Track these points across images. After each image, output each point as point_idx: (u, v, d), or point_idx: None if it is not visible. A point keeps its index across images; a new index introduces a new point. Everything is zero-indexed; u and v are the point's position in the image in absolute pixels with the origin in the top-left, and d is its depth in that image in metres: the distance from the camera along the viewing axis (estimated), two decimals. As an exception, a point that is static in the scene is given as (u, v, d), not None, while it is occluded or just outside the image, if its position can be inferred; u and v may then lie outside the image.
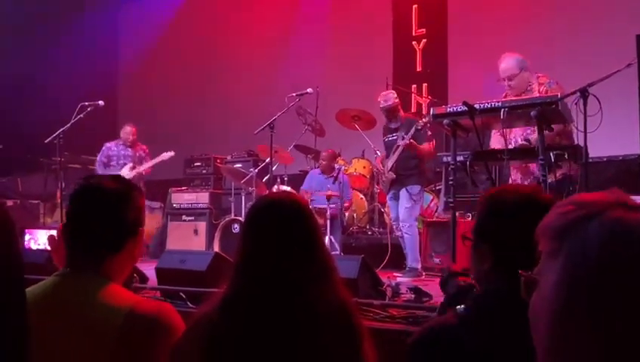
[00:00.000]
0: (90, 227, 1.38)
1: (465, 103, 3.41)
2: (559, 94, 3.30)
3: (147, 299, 1.37)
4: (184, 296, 3.45)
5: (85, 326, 1.26)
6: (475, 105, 3.45)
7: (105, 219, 1.39)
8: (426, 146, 5.01)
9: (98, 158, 7.02)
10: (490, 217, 1.30)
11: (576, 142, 3.43)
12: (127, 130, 6.98)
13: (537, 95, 3.68)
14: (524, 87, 3.90)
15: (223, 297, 1.32)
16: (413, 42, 8.16)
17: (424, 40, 8.10)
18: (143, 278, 3.92)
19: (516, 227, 1.16)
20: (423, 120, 4.93)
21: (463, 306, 1.23)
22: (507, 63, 3.93)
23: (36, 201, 7.84)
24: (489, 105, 3.46)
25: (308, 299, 1.31)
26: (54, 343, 1.23)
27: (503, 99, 3.61)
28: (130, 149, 6.99)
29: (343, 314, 1.37)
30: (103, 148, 7.03)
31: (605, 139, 3.69)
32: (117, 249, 1.40)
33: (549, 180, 3.20)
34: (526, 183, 3.84)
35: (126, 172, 6.69)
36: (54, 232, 1.61)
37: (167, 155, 6.82)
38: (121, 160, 6.94)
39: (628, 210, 0.65)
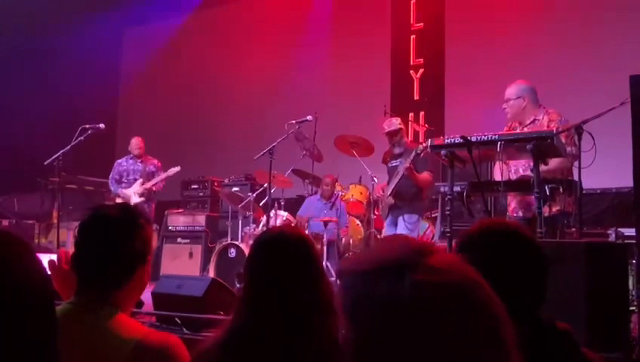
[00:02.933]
0: (99, 257, 1.40)
1: (462, 137, 3.47)
2: (555, 130, 3.36)
3: (155, 331, 1.39)
4: (179, 322, 3.45)
5: (94, 357, 1.27)
6: (472, 138, 3.51)
7: (113, 249, 1.41)
8: (425, 175, 5.04)
9: (110, 176, 6.93)
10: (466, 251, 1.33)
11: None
12: (134, 143, 6.88)
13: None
14: (519, 114, 3.95)
15: (226, 332, 1.34)
16: (411, 71, 8.29)
17: (422, 69, 8.23)
18: (139, 303, 3.91)
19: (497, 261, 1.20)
20: (423, 145, 4.99)
21: None
22: (510, 88, 4.03)
23: (31, 221, 7.81)
24: (486, 138, 3.52)
25: (311, 335, 1.33)
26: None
27: (500, 133, 3.67)
28: (140, 164, 6.87)
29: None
30: (115, 165, 6.97)
31: (599, 171, 3.75)
32: (126, 279, 1.42)
33: (545, 214, 3.24)
34: (521, 214, 3.88)
35: (137, 188, 6.64)
36: (54, 257, 1.62)
37: (173, 171, 6.83)
38: (131, 175, 6.83)
39: (394, 275, 0.67)
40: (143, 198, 6.58)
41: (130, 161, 6.88)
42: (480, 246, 1.29)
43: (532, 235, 1.45)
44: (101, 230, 1.43)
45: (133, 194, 6.59)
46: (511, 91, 4.00)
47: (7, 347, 0.67)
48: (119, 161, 6.98)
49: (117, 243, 1.41)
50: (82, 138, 5.76)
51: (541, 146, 3.36)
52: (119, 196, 6.71)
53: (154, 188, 6.78)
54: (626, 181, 5.97)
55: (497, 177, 3.88)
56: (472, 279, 0.67)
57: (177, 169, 6.89)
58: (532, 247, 1.32)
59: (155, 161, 6.98)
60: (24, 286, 0.73)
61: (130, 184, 6.76)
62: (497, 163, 4.06)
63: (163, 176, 6.78)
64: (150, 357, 1.28)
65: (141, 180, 6.74)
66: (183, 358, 1.34)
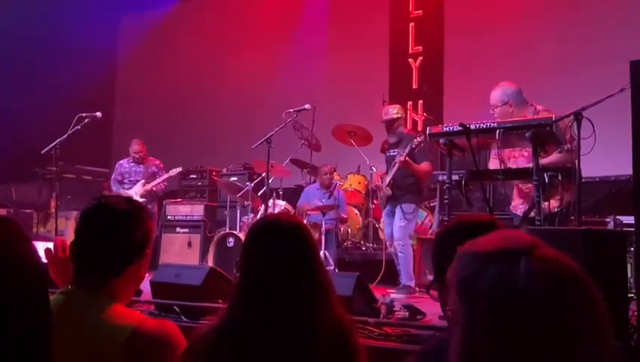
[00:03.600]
0: (99, 247, 1.40)
1: (461, 125, 3.45)
2: (553, 117, 3.35)
3: (151, 319, 1.39)
4: (178, 310, 3.45)
5: (90, 345, 1.27)
6: (471, 126, 3.50)
7: (114, 239, 1.41)
8: (424, 166, 5.01)
9: (112, 177, 6.96)
10: (447, 246, 1.32)
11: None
12: (135, 148, 6.86)
13: None
14: (507, 118, 3.89)
15: (222, 318, 1.33)
16: (410, 59, 8.25)
17: (420, 57, 8.19)
18: (137, 291, 3.91)
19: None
20: (418, 138, 4.95)
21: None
22: (495, 92, 3.95)
23: (29, 211, 7.80)
24: (485, 126, 3.51)
25: (307, 320, 1.32)
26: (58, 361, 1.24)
27: (499, 120, 3.65)
28: (141, 166, 6.88)
29: (342, 334, 1.39)
30: (116, 165, 6.99)
31: (597, 159, 3.75)
32: (123, 270, 1.41)
33: (545, 211, 3.23)
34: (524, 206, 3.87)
35: (138, 188, 6.65)
36: (51, 245, 1.61)
37: (174, 171, 6.87)
38: (133, 176, 6.84)
39: (511, 257, 0.70)
40: (144, 199, 6.54)
41: (132, 163, 6.88)
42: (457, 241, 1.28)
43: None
44: (103, 220, 1.42)
45: (134, 195, 6.56)
46: (495, 97, 3.91)
47: None
48: (120, 161, 6.97)
49: (118, 234, 1.41)
50: (79, 126, 5.73)
51: (540, 134, 3.35)
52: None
53: (154, 189, 6.76)
54: (625, 169, 6.00)
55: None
56: (579, 271, 0.71)
57: (179, 169, 6.92)
58: None
59: (157, 162, 6.96)
60: (18, 272, 0.71)
61: (132, 185, 6.77)
62: (492, 156, 4.04)
63: (164, 176, 6.79)
64: (147, 344, 1.28)
65: (143, 181, 6.73)
66: (179, 344, 1.33)
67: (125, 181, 6.83)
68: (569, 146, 3.54)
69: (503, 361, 0.66)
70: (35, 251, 0.79)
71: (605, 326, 0.70)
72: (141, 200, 6.45)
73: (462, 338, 0.70)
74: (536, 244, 0.72)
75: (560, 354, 0.65)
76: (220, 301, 3.35)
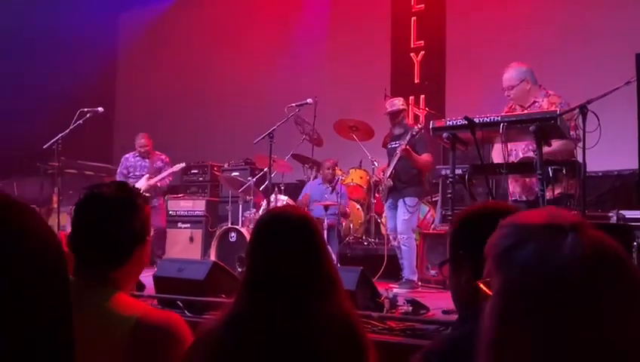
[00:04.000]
0: (97, 237, 1.37)
1: (466, 118, 3.43)
2: (558, 111, 3.33)
3: (156, 309, 1.38)
4: (181, 305, 3.44)
5: (94, 336, 1.25)
6: (475, 119, 3.48)
7: (111, 229, 1.38)
8: (426, 157, 5.00)
9: (118, 171, 6.86)
10: (469, 227, 1.30)
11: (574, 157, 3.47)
12: (140, 142, 6.76)
13: None
14: (524, 98, 3.90)
15: (229, 313, 1.32)
16: (412, 54, 8.21)
17: (422, 52, 8.15)
18: (140, 286, 3.90)
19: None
20: (418, 125, 4.97)
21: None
22: (508, 74, 3.96)
23: (32, 206, 7.78)
24: (488, 120, 3.49)
25: (315, 314, 1.31)
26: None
27: (503, 114, 3.64)
28: (147, 160, 6.77)
29: (349, 329, 1.37)
30: (122, 159, 6.89)
31: (600, 153, 3.74)
32: (124, 259, 1.39)
33: (547, 197, 3.22)
34: (524, 198, 3.86)
35: (142, 183, 6.52)
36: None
37: (178, 167, 6.81)
38: (138, 171, 6.74)
39: (558, 232, 0.67)
40: (148, 194, 6.41)
41: (138, 158, 6.78)
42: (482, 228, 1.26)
43: None
44: (97, 210, 1.39)
45: None
46: (512, 76, 3.92)
47: (19, 314, 0.62)
48: (126, 155, 6.86)
49: (113, 224, 1.38)
50: (81, 122, 5.72)
51: (544, 127, 3.33)
52: None
53: (159, 184, 6.65)
54: (628, 163, 5.99)
55: (496, 161, 3.84)
56: (623, 251, 0.68)
57: (182, 165, 6.87)
58: None
59: (163, 157, 6.86)
60: (42, 250, 0.68)
61: (137, 179, 6.67)
62: (495, 147, 4.03)
63: (168, 171, 6.72)
64: (151, 335, 1.26)
65: (147, 175, 6.62)
66: (184, 335, 1.32)
67: (131, 175, 6.73)
68: (573, 133, 3.53)
69: (537, 340, 0.63)
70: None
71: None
72: (146, 195, 6.42)
73: (495, 314, 0.67)
74: (584, 223, 0.69)
75: (596, 337, 0.62)
76: (223, 295, 3.34)
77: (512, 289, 0.66)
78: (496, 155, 3.92)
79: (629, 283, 0.65)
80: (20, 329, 0.61)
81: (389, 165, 5.16)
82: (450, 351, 1.14)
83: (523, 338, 0.64)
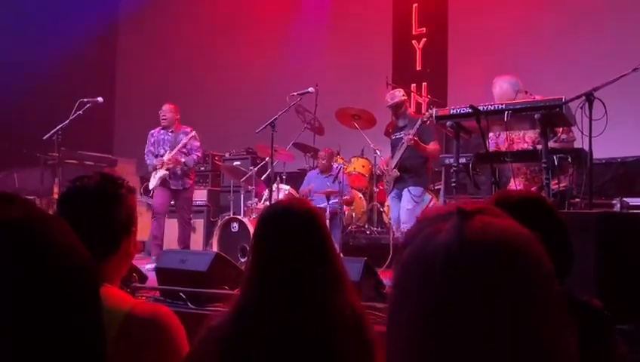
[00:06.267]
0: (82, 230, 1.34)
1: (471, 106, 3.39)
2: (564, 98, 3.29)
3: (145, 302, 1.36)
4: (184, 297, 3.43)
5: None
6: (480, 107, 3.44)
7: (96, 221, 1.35)
8: (432, 145, 4.96)
9: (146, 150, 6.22)
10: None
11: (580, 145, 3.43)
12: (163, 111, 6.10)
13: None
14: None
15: (234, 309, 1.30)
16: (413, 41, 8.14)
17: (424, 39, 8.08)
18: (142, 277, 3.89)
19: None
20: (429, 111, 4.90)
21: None
22: (501, 88, 3.92)
23: (32, 197, 7.77)
24: (493, 108, 3.46)
25: (321, 308, 1.29)
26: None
27: (507, 102, 3.60)
28: (170, 133, 6.09)
29: (356, 322, 1.36)
30: (148, 136, 6.26)
31: (604, 140, 3.70)
32: (111, 251, 1.37)
33: (553, 189, 3.20)
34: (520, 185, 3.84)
35: (159, 163, 5.95)
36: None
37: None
38: (161, 146, 6.09)
39: (447, 218, 0.61)
40: (167, 172, 5.92)
41: (162, 131, 6.15)
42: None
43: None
44: (81, 203, 1.36)
45: (158, 169, 5.95)
46: (506, 91, 3.92)
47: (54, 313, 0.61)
48: (152, 131, 6.24)
49: (98, 216, 1.35)
50: (81, 112, 5.67)
51: (549, 115, 3.29)
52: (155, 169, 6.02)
53: (181, 159, 5.94)
54: (631, 150, 5.95)
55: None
56: (525, 233, 0.61)
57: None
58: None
59: (188, 130, 6.13)
60: (66, 262, 0.66)
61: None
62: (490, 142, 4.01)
63: (183, 141, 5.99)
64: (140, 328, 1.25)
65: (169, 152, 5.99)
66: (173, 328, 1.30)
67: (158, 152, 6.08)
68: (564, 137, 3.52)
69: (413, 328, 0.59)
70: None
71: (549, 285, 0.59)
72: (164, 173, 5.93)
73: (387, 305, 0.63)
74: (487, 211, 0.61)
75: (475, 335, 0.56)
76: (226, 287, 3.33)
77: (396, 280, 0.62)
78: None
79: (507, 272, 0.57)
80: (57, 327, 0.60)
81: (392, 156, 5.12)
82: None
83: (402, 331, 0.60)
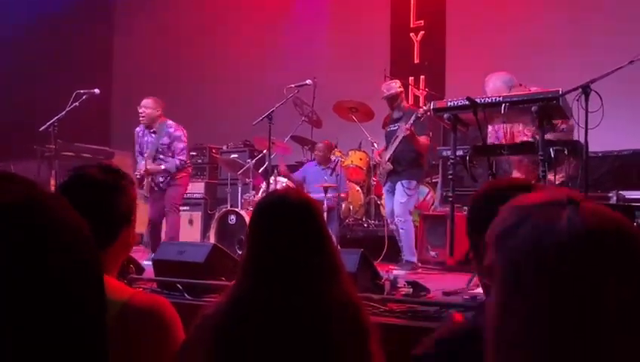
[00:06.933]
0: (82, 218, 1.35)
1: (468, 99, 3.40)
2: (560, 90, 3.29)
3: (143, 292, 1.36)
4: (181, 288, 3.44)
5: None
6: (477, 100, 3.45)
7: (96, 211, 1.35)
8: (423, 139, 4.98)
9: (135, 150, 5.70)
10: (487, 205, 1.27)
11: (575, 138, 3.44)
12: (141, 105, 5.40)
13: None
14: None
15: (229, 298, 1.31)
16: (411, 34, 8.12)
17: (422, 32, 8.06)
18: (140, 269, 3.90)
19: None
20: (424, 107, 4.92)
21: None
22: (494, 85, 3.93)
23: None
24: (490, 100, 3.46)
25: (317, 298, 1.30)
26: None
27: (505, 94, 3.60)
28: (153, 135, 5.39)
29: (352, 312, 1.37)
30: (135, 134, 5.64)
31: (600, 134, 3.71)
32: (110, 241, 1.37)
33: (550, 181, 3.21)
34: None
35: (142, 168, 5.35)
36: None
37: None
38: (144, 149, 5.47)
39: (555, 208, 0.63)
40: (150, 181, 5.34)
41: (145, 131, 5.52)
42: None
43: None
44: (81, 192, 1.36)
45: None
46: (499, 87, 3.93)
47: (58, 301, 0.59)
48: (137, 129, 5.59)
49: (98, 206, 1.35)
50: (77, 103, 5.64)
51: (546, 108, 3.30)
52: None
53: (151, 173, 5.31)
54: (627, 143, 5.96)
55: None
56: (627, 225, 0.64)
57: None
58: None
59: (172, 129, 5.39)
60: (71, 242, 0.64)
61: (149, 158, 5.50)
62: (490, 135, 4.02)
63: (158, 168, 5.35)
64: (138, 318, 1.25)
65: (148, 154, 5.37)
66: (170, 318, 1.31)
67: (144, 154, 5.46)
68: (564, 127, 3.52)
69: (533, 321, 0.60)
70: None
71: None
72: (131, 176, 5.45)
73: (495, 300, 0.64)
74: (584, 198, 0.65)
75: (601, 317, 0.59)
76: (223, 278, 3.34)
77: (508, 273, 0.63)
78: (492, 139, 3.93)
79: (630, 256, 0.61)
80: (57, 328, 0.58)
81: (386, 148, 5.12)
82: (464, 338, 1.12)
83: (520, 325, 0.61)
